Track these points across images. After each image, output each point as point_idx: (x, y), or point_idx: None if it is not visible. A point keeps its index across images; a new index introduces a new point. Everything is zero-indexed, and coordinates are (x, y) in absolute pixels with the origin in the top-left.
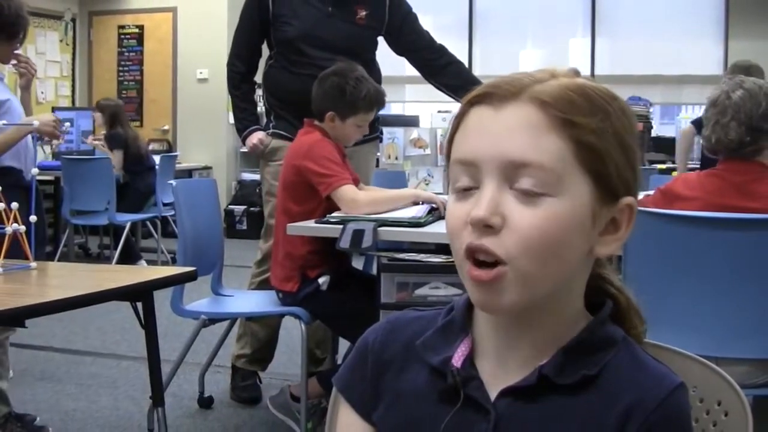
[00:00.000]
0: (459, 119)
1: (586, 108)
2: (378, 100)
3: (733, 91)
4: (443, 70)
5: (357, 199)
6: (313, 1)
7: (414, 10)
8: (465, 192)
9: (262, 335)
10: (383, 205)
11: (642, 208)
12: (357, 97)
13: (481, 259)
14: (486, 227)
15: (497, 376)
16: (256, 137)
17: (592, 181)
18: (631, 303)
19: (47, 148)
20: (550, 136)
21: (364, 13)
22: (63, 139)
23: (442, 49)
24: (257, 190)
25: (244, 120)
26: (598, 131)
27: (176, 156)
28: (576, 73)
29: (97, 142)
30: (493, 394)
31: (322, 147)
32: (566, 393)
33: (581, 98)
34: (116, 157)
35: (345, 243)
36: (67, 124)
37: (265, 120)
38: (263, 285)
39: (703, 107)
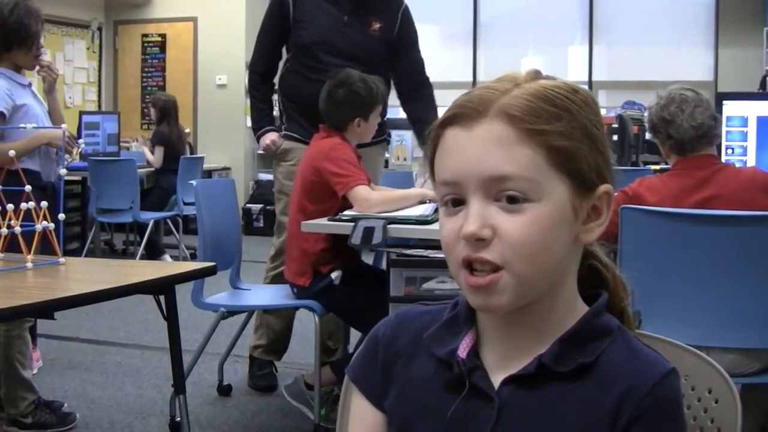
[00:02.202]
0: (435, 141)
1: (551, 113)
2: (384, 88)
3: (680, 92)
4: (413, 100)
5: (370, 198)
6: (331, 10)
7: (422, 19)
8: (454, 208)
9: (277, 327)
10: (394, 204)
11: (636, 207)
12: (371, 94)
13: (478, 268)
14: (478, 240)
15: (500, 365)
16: (269, 138)
17: (568, 179)
18: (617, 276)
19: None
20: (522, 148)
21: (378, 25)
22: (74, 156)
23: (425, 83)
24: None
25: (260, 120)
26: (566, 133)
27: (202, 158)
28: (537, 74)
29: (139, 141)
30: (496, 383)
31: (341, 150)
32: (565, 380)
33: (545, 104)
34: (156, 154)
35: (356, 239)
36: (81, 141)
37: (279, 121)
38: (277, 279)
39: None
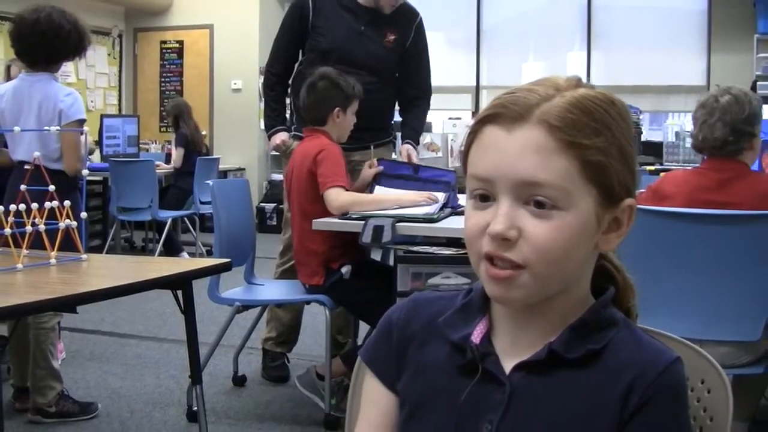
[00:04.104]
0: (473, 135)
1: (591, 128)
2: (360, 87)
3: (721, 95)
4: (409, 110)
5: (339, 199)
6: (348, 19)
7: (428, 26)
8: (481, 203)
9: (285, 320)
10: (366, 206)
11: None
12: (350, 87)
13: (499, 264)
14: (504, 240)
15: (511, 352)
16: (280, 138)
17: (597, 192)
18: (627, 279)
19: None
20: (559, 158)
21: (393, 37)
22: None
23: (425, 95)
24: None
25: (273, 119)
26: (603, 149)
27: (218, 159)
28: (578, 82)
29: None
30: (507, 369)
31: (330, 150)
32: (574, 367)
33: (585, 117)
34: (177, 154)
35: (367, 238)
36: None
37: (290, 121)
38: (285, 274)
39: (689, 114)
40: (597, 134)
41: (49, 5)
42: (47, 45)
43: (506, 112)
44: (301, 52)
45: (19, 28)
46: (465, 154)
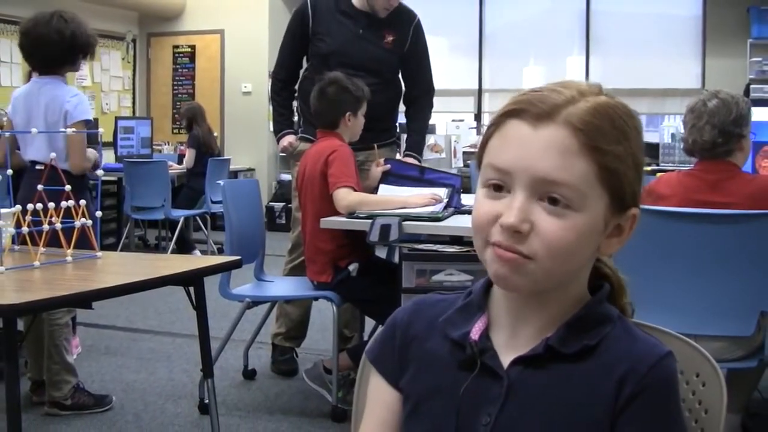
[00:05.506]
0: (496, 126)
1: (612, 135)
2: (368, 89)
3: (709, 99)
4: (410, 107)
5: (347, 198)
6: (347, 22)
7: (431, 32)
8: (495, 192)
9: (294, 316)
10: (373, 207)
11: None
12: (358, 90)
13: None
14: (515, 232)
15: (509, 347)
16: (287, 140)
17: (609, 197)
18: (621, 281)
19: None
20: (579, 160)
21: (391, 38)
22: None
23: (427, 94)
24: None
25: (281, 123)
26: (621, 157)
27: (228, 160)
28: (600, 90)
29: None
30: (505, 363)
31: (341, 151)
32: (569, 361)
33: (607, 124)
34: (188, 155)
35: (374, 237)
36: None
37: (296, 125)
38: (294, 271)
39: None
40: (617, 142)
41: (55, 10)
42: (55, 50)
43: (533, 109)
44: (305, 58)
45: (28, 34)
46: (483, 143)
